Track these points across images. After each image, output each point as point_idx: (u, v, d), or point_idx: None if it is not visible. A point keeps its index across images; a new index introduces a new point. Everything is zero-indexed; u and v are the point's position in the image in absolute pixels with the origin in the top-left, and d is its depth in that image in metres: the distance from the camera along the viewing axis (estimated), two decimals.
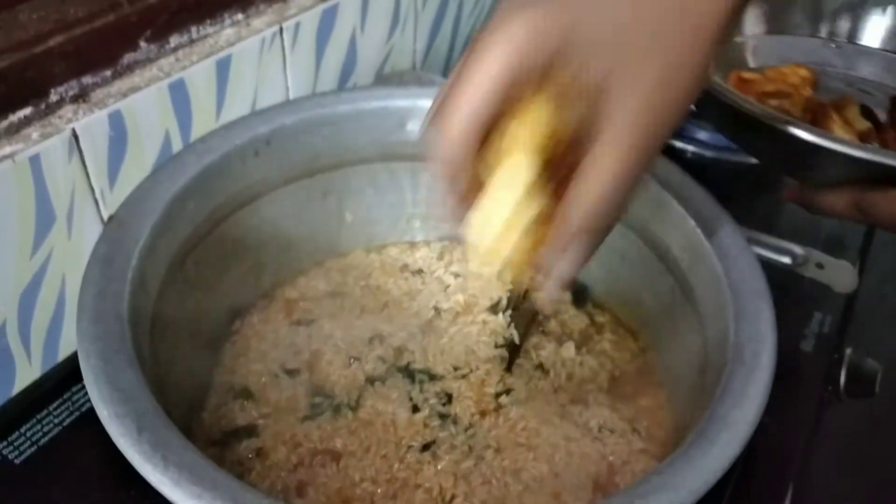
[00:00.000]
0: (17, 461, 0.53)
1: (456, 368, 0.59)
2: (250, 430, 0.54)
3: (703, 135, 0.95)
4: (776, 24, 0.87)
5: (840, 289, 0.71)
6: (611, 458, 0.53)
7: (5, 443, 0.54)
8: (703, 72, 0.31)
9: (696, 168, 0.58)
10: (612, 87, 0.30)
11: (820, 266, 0.72)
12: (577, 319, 0.63)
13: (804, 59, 0.80)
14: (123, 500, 0.50)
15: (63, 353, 0.63)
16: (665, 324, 0.58)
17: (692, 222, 0.52)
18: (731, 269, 0.49)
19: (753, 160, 0.88)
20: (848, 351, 0.65)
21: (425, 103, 0.62)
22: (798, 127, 0.57)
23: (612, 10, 0.30)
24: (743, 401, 0.41)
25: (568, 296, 0.65)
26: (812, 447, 0.59)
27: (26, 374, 0.61)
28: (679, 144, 0.93)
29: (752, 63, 0.77)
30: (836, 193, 0.57)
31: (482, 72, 0.31)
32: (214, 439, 0.53)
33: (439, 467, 0.52)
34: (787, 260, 0.72)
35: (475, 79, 0.31)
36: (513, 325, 0.62)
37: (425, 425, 0.55)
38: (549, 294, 0.34)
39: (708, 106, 0.67)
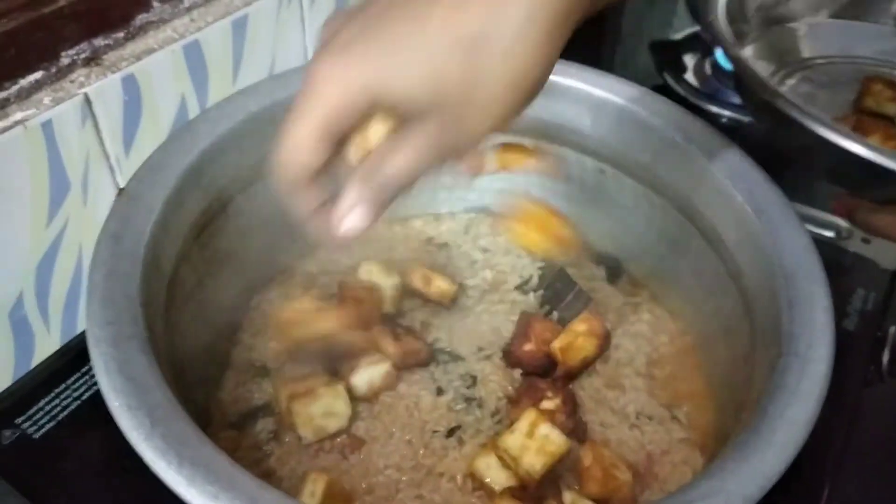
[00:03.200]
0: (35, 436, 0.52)
1: (480, 349, 0.56)
2: (267, 410, 0.52)
3: (738, 98, 0.91)
4: (839, 7, 0.81)
5: (886, 264, 0.68)
6: (649, 447, 0.50)
7: (24, 417, 0.53)
8: (507, 111, 0.35)
9: (731, 134, 0.55)
10: (420, 117, 0.35)
11: (866, 241, 0.69)
12: (611, 298, 0.60)
13: (869, 51, 0.76)
14: (144, 478, 0.48)
15: (82, 324, 0.62)
16: (707, 305, 0.55)
17: (741, 198, 0.49)
18: (783, 251, 0.45)
19: None
20: (892, 329, 0.63)
21: None
22: (852, 140, 0.54)
23: (417, 65, 0.33)
24: (798, 398, 0.38)
25: (602, 272, 0.63)
26: (853, 428, 0.56)
27: (45, 345, 0.60)
28: (714, 109, 0.89)
29: (805, 53, 0.74)
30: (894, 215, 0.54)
31: (301, 128, 0.35)
32: (232, 421, 0.51)
33: (465, 453, 0.50)
34: (830, 234, 0.69)
35: (295, 135, 0.35)
36: (547, 305, 0.59)
37: (450, 409, 0.53)
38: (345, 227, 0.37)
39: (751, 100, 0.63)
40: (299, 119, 0.35)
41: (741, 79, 0.61)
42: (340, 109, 0.34)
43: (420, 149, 0.35)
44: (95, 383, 0.54)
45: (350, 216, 0.37)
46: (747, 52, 0.73)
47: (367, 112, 0.35)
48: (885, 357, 0.62)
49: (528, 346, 0.54)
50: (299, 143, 0.35)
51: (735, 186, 0.50)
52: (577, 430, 0.50)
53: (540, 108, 0.58)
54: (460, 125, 0.35)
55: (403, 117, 0.35)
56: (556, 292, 0.59)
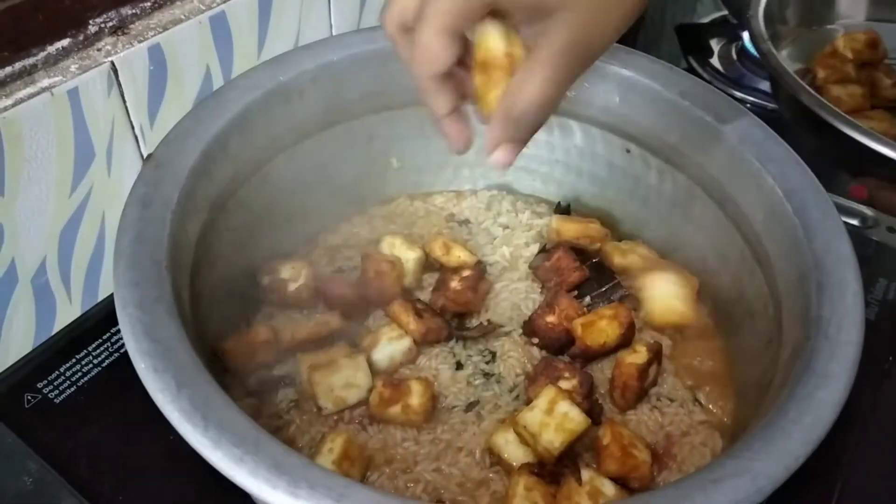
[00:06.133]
0: (56, 400, 0.52)
1: (500, 325, 0.56)
2: (288, 379, 0.52)
3: (764, 85, 0.90)
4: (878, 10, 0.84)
5: None
6: (669, 428, 0.50)
7: (45, 382, 0.53)
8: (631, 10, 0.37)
9: None
10: (551, 16, 0.36)
11: (891, 230, 0.68)
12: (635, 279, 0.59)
13: None
14: (164, 443, 0.49)
15: (103, 292, 0.63)
16: (731, 288, 0.54)
17: (771, 180, 0.48)
18: (814, 234, 0.45)
19: None
20: None
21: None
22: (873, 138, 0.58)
23: None
24: (828, 380, 0.37)
25: None
26: (870, 418, 0.56)
27: (67, 312, 0.61)
28: (739, 94, 0.88)
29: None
30: None
31: (429, 30, 0.36)
32: (252, 389, 0.51)
33: (483, 428, 0.50)
34: (855, 222, 0.68)
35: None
36: (575, 290, 0.58)
37: (469, 384, 0.53)
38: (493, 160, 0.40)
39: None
40: (426, 23, 0.36)
41: (777, 82, 0.63)
42: (463, 10, 0.36)
43: (551, 63, 0.35)
44: (116, 351, 0.56)
45: (496, 154, 0.39)
46: (783, 53, 0.76)
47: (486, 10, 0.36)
48: None
49: (550, 318, 0.53)
50: (430, 44, 0.37)
51: (766, 168, 0.49)
52: (592, 412, 0.50)
53: None
54: (592, 22, 0.35)
55: (530, 20, 0.36)
56: (592, 280, 0.59)
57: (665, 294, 0.55)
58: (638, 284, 0.57)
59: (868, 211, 0.69)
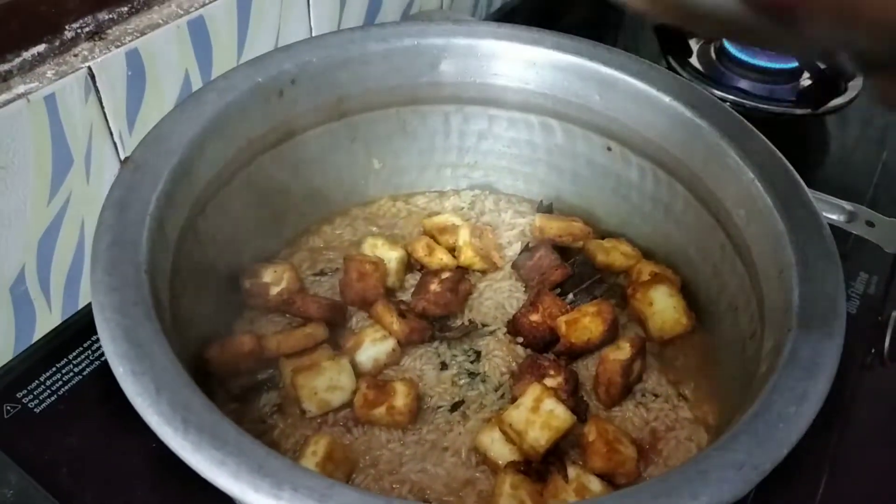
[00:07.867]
0: (36, 410, 0.52)
1: (484, 325, 0.56)
2: (271, 383, 0.52)
3: (743, 83, 0.90)
4: None
5: (890, 248, 0.68)
6: (654, 424, 0.50)
7: (25, 391, 0.53)
8: None
9: None
10: None
11: (870, 224, 0.69)
12: (618, 276, 0.60)
13: None
14: (145, 452, 0.48)
15: (83, 300, 0.62)
16: (713, 283, 0.54)
17: (751, 174, 0.49)
18: (795, 226, 0.45)
19: (798, 111, 0.83)
20: (893, 314, 0.62)
21: (461, 42, 0.58)
22: None
23: None
24: (812, 371, 0.38)
25: None
26: (852, 412, 0.56)
27: (46, 321, 0.60)
28: (718, 93, 0.88)
29: None
30: None
31: None
32: (235, 394, 0.51)
33: (469, 428, 0.50)
34: (834, 217, 0.69)
35: None
36: (558, 287, 0.58)
37: (454, 383, 0.53)
38: None
39: None
40: None
41: None
42: None
43: None
44: (96, 359, 0.55)
45: None
46: None
47: None
48: (886, 341, 0.61)
49: (533, 317, 0.53)
50: None
51: (746, 162, 0.50)
52: (577, 410, 0.50)
53: (548, 84, 0.59)
54: None
55: None
56: (575, 277, 0.59)
57: (664, 307, 0.54)
58: (635, 304, 0.56)
59: (847, 205, 0.70)
